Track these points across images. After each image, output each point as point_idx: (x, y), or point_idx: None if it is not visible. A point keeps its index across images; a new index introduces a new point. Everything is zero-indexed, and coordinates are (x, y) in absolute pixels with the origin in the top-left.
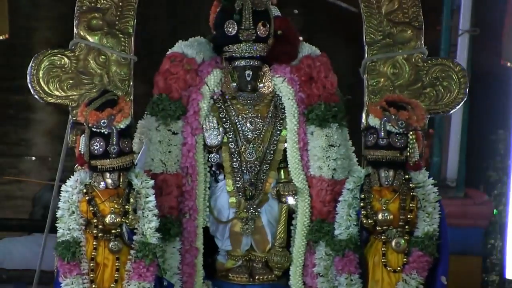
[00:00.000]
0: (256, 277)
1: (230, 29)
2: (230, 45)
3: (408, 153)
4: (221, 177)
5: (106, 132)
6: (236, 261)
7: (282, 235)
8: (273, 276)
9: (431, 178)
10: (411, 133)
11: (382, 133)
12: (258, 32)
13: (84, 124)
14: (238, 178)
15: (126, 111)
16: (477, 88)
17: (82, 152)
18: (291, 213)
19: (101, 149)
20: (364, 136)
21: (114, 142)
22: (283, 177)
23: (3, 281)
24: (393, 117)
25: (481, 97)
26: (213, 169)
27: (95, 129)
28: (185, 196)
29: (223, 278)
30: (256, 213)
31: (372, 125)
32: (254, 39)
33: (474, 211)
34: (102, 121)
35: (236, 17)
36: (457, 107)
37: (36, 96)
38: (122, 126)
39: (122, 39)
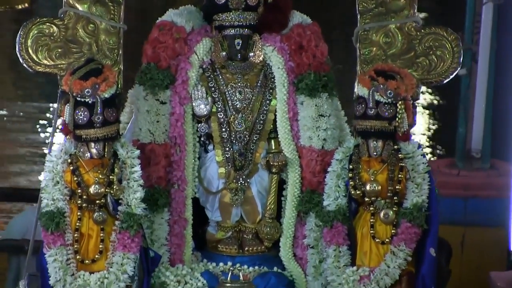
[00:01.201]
0: (246, 249)
1: None
2: (220, 14)
3: (397, 123)
4: (210, 147)
5: (90, 102)
6: (226, 232)
7: (272, 206)
8: (263, 247)
9: (424, 148)
10: (400, 103)
11: (371, 103)
12: (248, 1)
13: (69, 93)
14: (227, 148)
15: (111, 80)
16: (502, 57)
17: (66, 122)
18: (281, 184)
19: (85, 119)
20: (354, 106)
21: (99, 112)
22: (273, 148)
23: (26, 251)
24: (381, 86)
25: (507, 66)
26: (202, 139)
27: (79, 98)
28: (173, 167)
29: (213, 250)
30: (246, 184)
31: (361, 95)
32: (244, 8)
33: (499, 182)
34: (86, 90)
35: None
36: (451, 76)
37: (24, 65)
38: (106, 96)
39: (112, 7)
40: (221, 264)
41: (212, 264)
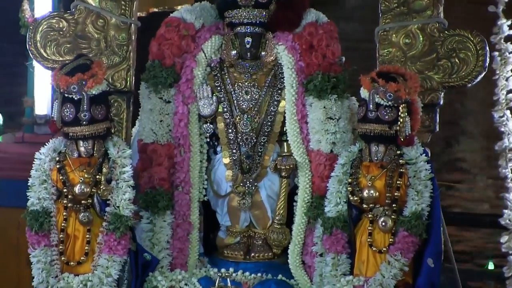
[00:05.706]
0: (252, 255)
1: None
2: (230, 11)
3: (398, 127)
4: (218, 148)
5: (76, 98)
6: (235, 237)
7: (282, 212)
8: (271, 254)
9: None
10: (402, 106)
11: (371, 106)
12: None
13: (57, 89)
14: (234, 150)
15: (100, 77)
16: None
17: (54, 118)
18: (295, 189)
19: (71, 116)
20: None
21: (85, 109)
22: (286, 151)
23: None
24: (382, 89)
25: None
26: (208, 140)
27: (66, 95)
28: (176, 168)
29: (220, 255)
30: (254, 188)
31: (363, 97)
32: (254, 5)
33: None
34: (72, 86)
35: None
36: (476, 80)
37: (35, 61)
38: (94, 92)
39: (123, 2)
40: (222, 270)
41: (213, 270)
